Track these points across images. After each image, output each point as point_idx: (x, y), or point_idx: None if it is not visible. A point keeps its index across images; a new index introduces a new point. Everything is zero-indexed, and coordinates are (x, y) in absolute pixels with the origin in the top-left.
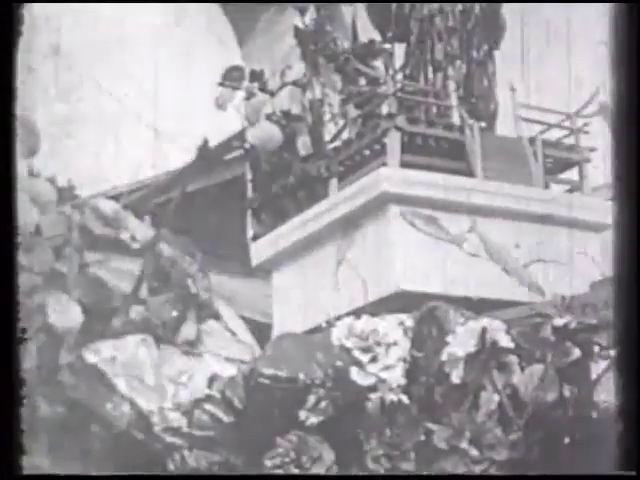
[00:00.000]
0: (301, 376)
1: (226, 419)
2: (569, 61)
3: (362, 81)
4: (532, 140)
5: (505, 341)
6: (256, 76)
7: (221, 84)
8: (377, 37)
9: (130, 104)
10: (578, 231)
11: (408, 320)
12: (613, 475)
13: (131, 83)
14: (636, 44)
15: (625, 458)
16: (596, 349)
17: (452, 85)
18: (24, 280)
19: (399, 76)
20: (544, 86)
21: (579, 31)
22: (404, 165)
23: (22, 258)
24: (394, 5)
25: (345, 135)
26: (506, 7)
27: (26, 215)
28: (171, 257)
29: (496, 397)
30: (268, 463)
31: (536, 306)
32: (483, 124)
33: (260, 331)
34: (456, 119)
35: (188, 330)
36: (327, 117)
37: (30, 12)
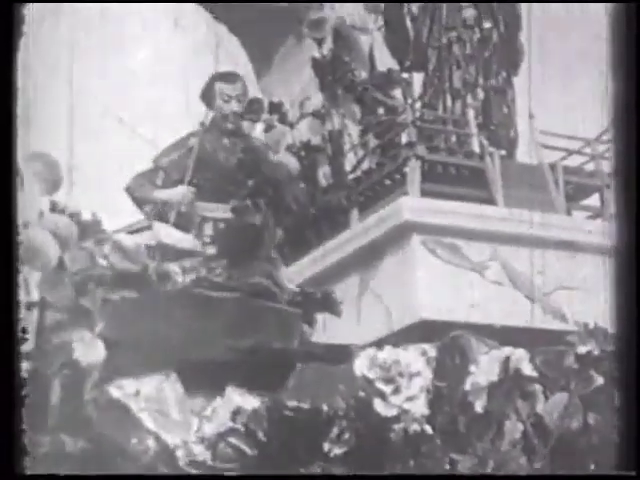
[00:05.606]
0: (324, 407)
1: (250, 452)
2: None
3: (381, 111)
4: (553, 167)
5: (529, 370)
6: (275, 108)
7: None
8: (395, 66)
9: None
10: (601, 257)
11: (430, 350)
12: (613, 475)
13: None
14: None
15: (625, 458)
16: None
17: (471, 113)
18: (48, 317)
19: (418, 105)
20: (565, 113)
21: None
22: (425, 194)
23: (46, 294)
24: (412, 34)
25: (365, 165)
26: (525, 33)
27: (48, 251)
28: None
29: (520, 426)
30: None
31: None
32: (503, 152)
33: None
34: (476, 147)
35: None
36: (347, 147)
37: (30, 12)
